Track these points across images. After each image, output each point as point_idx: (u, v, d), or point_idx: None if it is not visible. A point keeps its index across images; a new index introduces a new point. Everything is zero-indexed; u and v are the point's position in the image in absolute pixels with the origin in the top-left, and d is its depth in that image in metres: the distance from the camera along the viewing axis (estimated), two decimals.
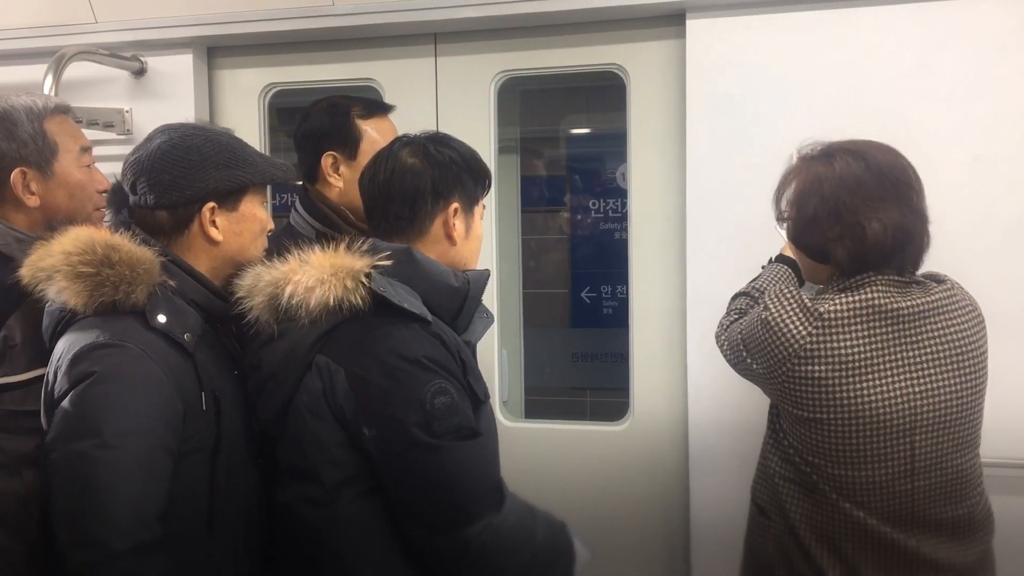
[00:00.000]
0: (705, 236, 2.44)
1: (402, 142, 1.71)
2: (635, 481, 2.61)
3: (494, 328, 2.65)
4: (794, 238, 1.78)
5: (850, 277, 1.69)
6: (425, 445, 1.49)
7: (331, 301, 1.50)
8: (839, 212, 1.65)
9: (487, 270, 1.75)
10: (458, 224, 1.69)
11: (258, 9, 2.52)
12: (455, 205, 1.68)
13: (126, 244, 1.59)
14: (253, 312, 1.59)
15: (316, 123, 2.14)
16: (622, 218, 3.90)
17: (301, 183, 2.19)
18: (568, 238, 4.13)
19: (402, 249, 1.62)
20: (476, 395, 1.61)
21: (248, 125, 2.75)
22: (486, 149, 2.62)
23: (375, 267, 1.55)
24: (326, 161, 2.09)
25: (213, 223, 1.69)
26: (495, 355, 2.73)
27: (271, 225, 1.81)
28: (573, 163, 4.17)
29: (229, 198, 1.70)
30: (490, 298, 2.66)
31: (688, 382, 2.49)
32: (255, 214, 1.75)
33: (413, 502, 1.53)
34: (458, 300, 1.66)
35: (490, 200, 2.61)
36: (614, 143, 3.99)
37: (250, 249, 1.73)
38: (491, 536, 1.53)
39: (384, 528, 1.56)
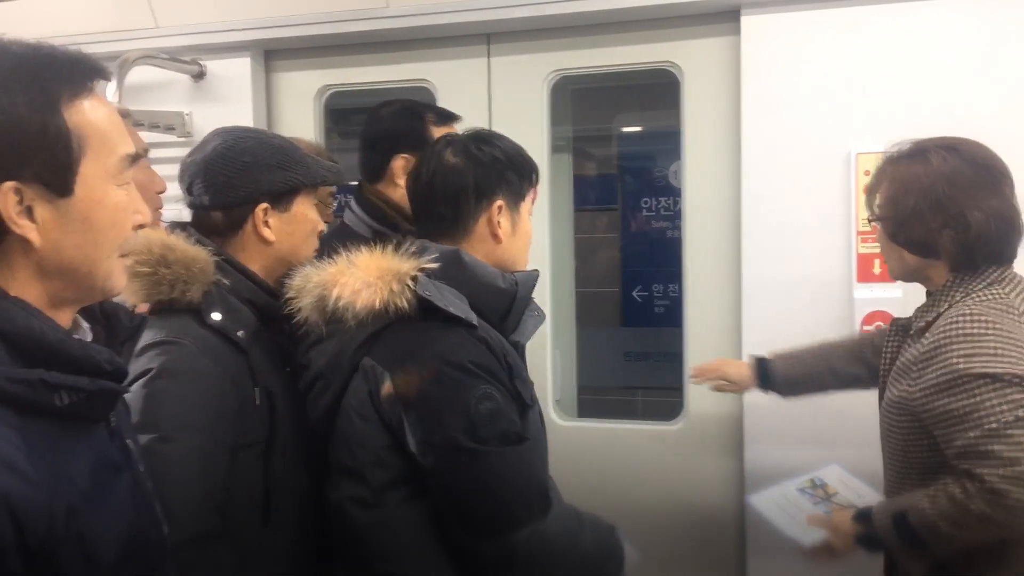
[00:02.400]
0: (760, 235, 2.41)
1: (445, 142, 1.71)
2: (688, 481, 2.59)
3: (547, 327, 2.65)
4: (894, 235, 1.75)
5: (969, 271, 1.68)
6: (470, 451, 1.47)
7: (377, 304, 1.50)
8: (941, 203, 1.66)
9: (536, 270, 1.73)
10: (503, 222, 1.67)
11: (314, 12, 2.56)
12: (499, 203, 1.66)
13: (181, 244, 1.63)
14: (302, 312, 1.59)
15: (390, 125, 2.17)
16: (674, 217, 3.87)
17: (356, 183, 2.22)
18: (619, 237, 4.11)
19: (449, 251, 1.60)
20: (522, 399, 1.59)
21: (304, 127, 2.78)
22: (539, 148, 2.62)
23: (422, 270, 1.54)
24: (397, 163, 2.11)
25: (266, 223, 1.72)
26: (548, 354, 2.72)
27: (322, 226, 1.83)
28: (624, 162, 4.14)
29: (281, 199, 1.73)
30: (543, 297, 2.66)
31: None
32: (306, 215, 1.78)
33: (459, 507, 1.51)
34: (506, 302, 1.65)
35: (543, 200, 2.62)
36: (665, 141, 3.97)
37: (302, 249, 1.75)
38: (538, 542, 1.51)
39: (431, 532, 1.55)
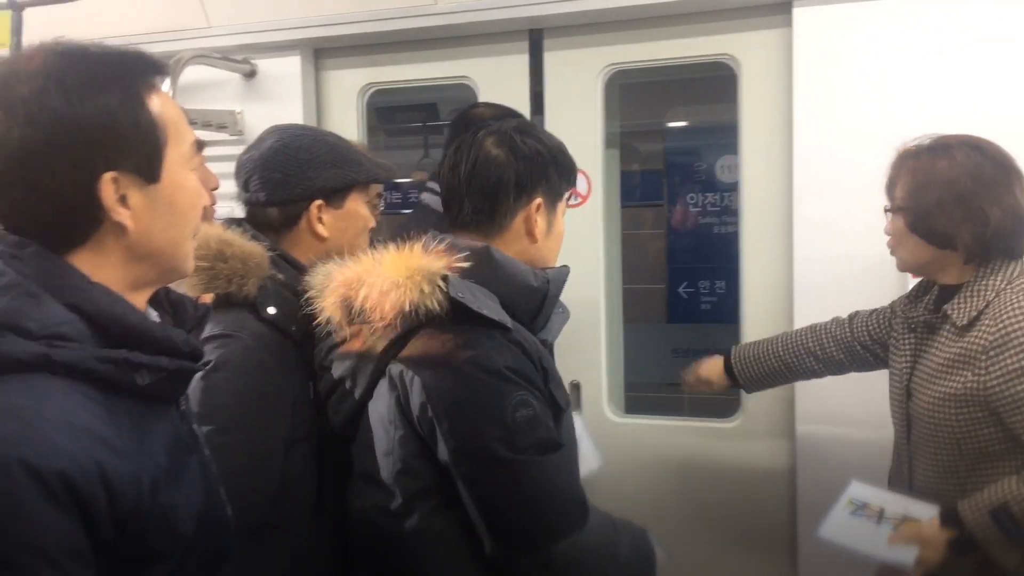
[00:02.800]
0: (812, 230, 2.38)
1: (488, 130, 1.61)
2: (743, 478, 2.56)
3: (601, 322, 2.66)
4: (914, 226, 1.80)
5: (983, 264, 1.75)
6: (507, 461, 1.40)
7: (407, 306, 1.40)
8: (963, 198, 1.72)
9: (566, 267, 1.66)
10: (540, 221, 1.59)
11: (362, 10, 2.57)
12: (538, 201, 1.58)
13: (238, 239, 1.66)
14: (324, 312, 1.52)
15: (476, 113, 2.20)
16: (720, 212, 3.84)
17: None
18: (665, 233, 4.09)
19: (480, 249, 1.52)
20: (557, 403, 1.52)
21: (351, 124, 2.82)
22: (593, 144, 2.62)
23: (452, 268, 1.45)
24: None
25: (320, 220, 1.74)
26: (602, 351, 2.70)
27: (373, 223, 1.85)
28: (671, 157, 4.11)
29: (336, 196, 1.76)
30: (597, 294, 2.66)
31: None
32: (359, 211, 1.80)
33: (494, 519, 1.44)
34: (537, 300, 1.57)
35: (597, 196, 2.61)
36: (712, 136, 3.93)
37: (354, 245, 1.76)
38: (576, 554, 1.46)
39: (463, 543, 1.48)
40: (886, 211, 1.86)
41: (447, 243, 1.51)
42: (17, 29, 2.39)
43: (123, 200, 1.03)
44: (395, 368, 1.47)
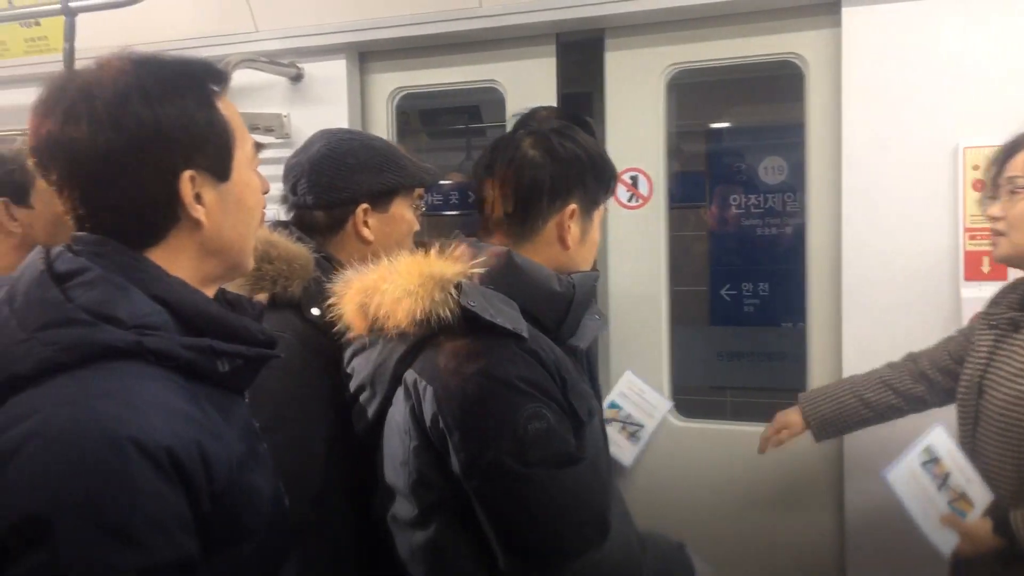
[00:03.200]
0: (861, 232, 2.35)
1: (526, 130, 1.57)
2: (798, 486, 2.54)
3: (663, 326, 2.65)
4: None
5: None
6: (518, 475, 1.35)
7: (418, 314, 1.38)
8: None
9: (595, 272, 1.61)
10: (573, 227, 1.54)
11: (407, 14, 2.59)
12: (573, 207, 1.53)
13: (284, 241, 1.68)
14: (344, 319, 1.50)
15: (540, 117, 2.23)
16: (764, 214, 3.79)
17: None
18: (707, 235, 4.05)
19: (500, 253, 1.47)
20: (577, 415, 1.45)
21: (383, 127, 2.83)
22: (656, 145, 2.60)
23: (468, 275, 1.42)
24: None
25: (366, 223, 1.76)
26: (664, 354, 2.68)
27: (417, 226, 1.87)
28: (713, 158, 4.08)
29: (381, 200, 1.77)
30: (659, 296, 2.64)
31: None
32: (404, 215, 1.82)
33: (506, 534, 1.40)
34: (562, 307, 1.51)
35: (659, 197, 2.60)
36: (756, 137, 3.89)
37: (398, 249, 1.78)
38: (592, 572, 1.42)
39: (478, 558, 1.44)
40: (989, 197, 1.75)
41: (467, 247, 1.48)
42: (70, 34, 2.43)
43: (198, 198, 1.10)
44: (410, 377, 1.44)
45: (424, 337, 1.43)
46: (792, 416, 2.21)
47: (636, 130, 2.61)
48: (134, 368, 1.01)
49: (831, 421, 2.14)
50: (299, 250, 1.69)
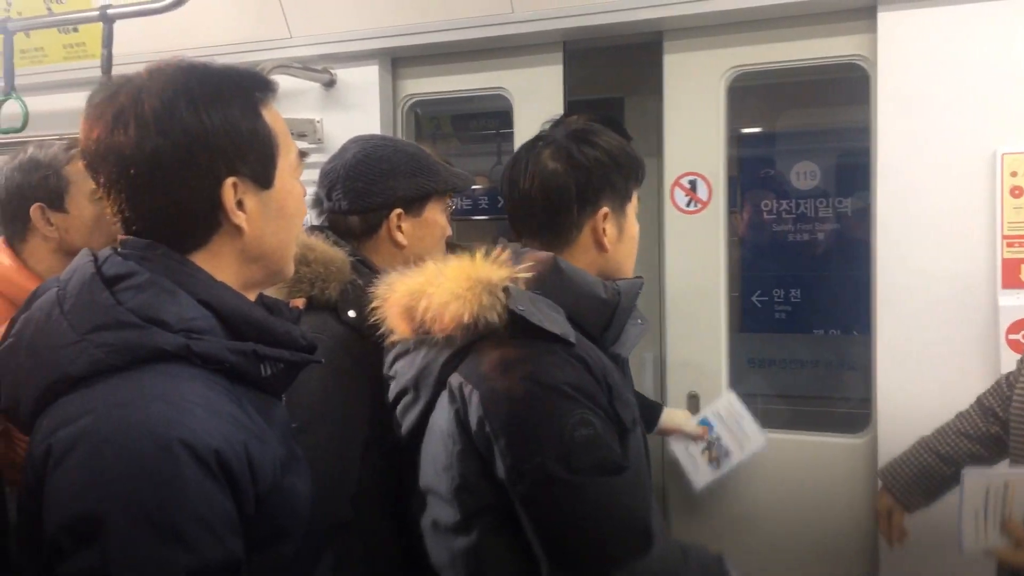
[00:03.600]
0: (896, 239, 2.32)
1: (545, 141, 1.56)
2: (830, 491, 2.51)
3: (722, 332, 2.60)
4: None
5: None
6: (564, 482, 1.33)
7: (466, 318, 1.37)
8: None
9: (640, 279, 1.60)
10: (609, 228, 1.54)
11: (439, 20, 2.59)
12: (605, 209, 1.53)
13: (320, 245, 1.70)
14: (388, 322, 1.50)
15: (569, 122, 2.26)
16: (796, 220, 3.76)
17: None
18: (738, 241, 4.03)
19: (545, 259, 1.47)
20: (623, 423, 1.44)
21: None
22: (715, 148, 2.56)
23: (515, 280, 1.41)
24: None
25: (399, 228, 1.78)
26: (723, 360, 2.64)
27: (450, 231, 1.89)
28: (744, 163, 4.05)
29: (414, 204, 1.79)
30: (717, 302, 2.61)
31: (877, 390, 2.37)
32: (437, 220, 1.83)
33: (551, 542, 1.38)
34: (607, 313, 1.51)
35: (717, 201, 2.57)
36: (787, 142, 3.86)
37: (431, 253, 1.79)
38: None
39: (521, 564, 1.42)
40: None
41: (512, 252, 1.47)
42: (108, 40, 2.47)
43: (240, 204, 1.11)
44: (455, 380, 1.44)
45: (470, 341, 1.42)
46: (883, 499, 2.12)
47: (695, 134, 2.57)
48: (182, 371, 1.04)
49: (915, 485, 2.06)
50: (336, 253, 1.71)
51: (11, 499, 1.41)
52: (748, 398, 3.68)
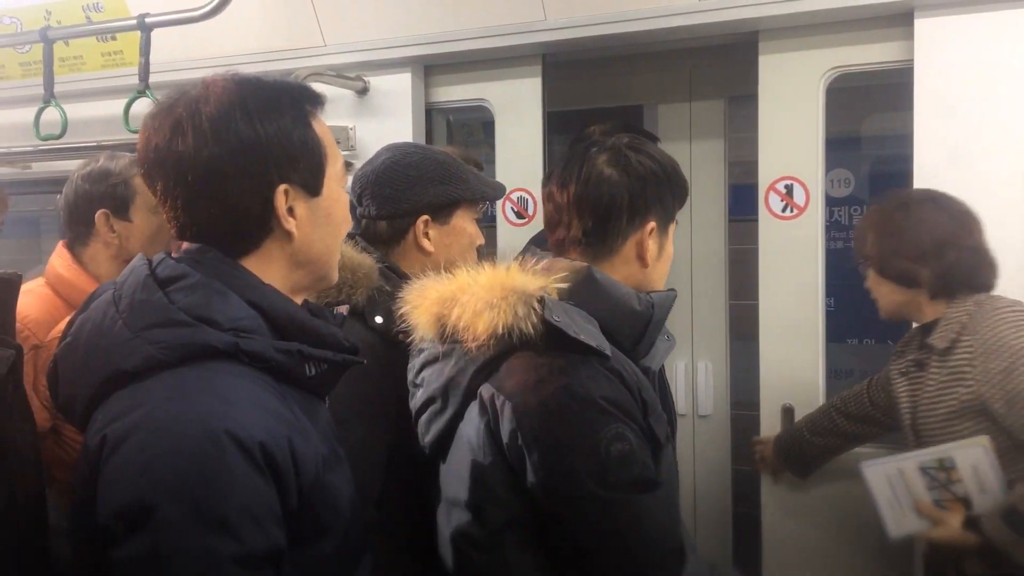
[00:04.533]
0: None
1: (599, 146, 1.52)
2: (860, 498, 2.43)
3: (819, 342, 2.51)
4: (882, 271, 2.08)
5: (956, 297, 1.98)
6: (597, 498, 1.31)
7: (500, 329, 1.35)
8: (919, 241, 2.00)
9: (673, 291, 1.57)
10: (651, 245, 1.51)
11: (471, 27, 2.60)
12: (652, 224, 1.50)
13: (349, 251, 1.71)
14: (418, 329, 1.47)
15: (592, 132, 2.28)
16: (830, 227, 3.71)
17: None
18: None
19: (581, 269, 1.45)
20: (656, 438, 1.41)
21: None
22: (813, 152, 2.48)
23: (550, 290, 1.39)
24: None
25: (426, 235, 1.79)
26: (820, 371, 2.55)
27: (481, 240, 1.88)
28: None
29: (442, 212, 1.79)
30: (815, 312, 2.52)
31: None
32: (465, 228, 1.83)
33: (583, 556, 1.36)
34: (640, 326, 1.48)
35: (815, 206, 2.49)
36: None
37: (459, 260, 1.79)
38: None
39: None
40: (857, 264, 2.15)
41: (547, 262, 1.45)
42: (145, 48, 2.51)
43: (291, 211, 1.16)
44: (486, 391, 1.41)
45: (502, 351, 1.40)
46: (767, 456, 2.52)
47: (791, 137, 2.49)
48: (231, 367, 1.08)
49: (788, 452, 2.46)
50: (363, 259, 1.72)
51: (51, 499, 1.44)
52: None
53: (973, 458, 1.87)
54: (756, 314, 2.58)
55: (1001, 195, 2.20)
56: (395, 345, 1.69)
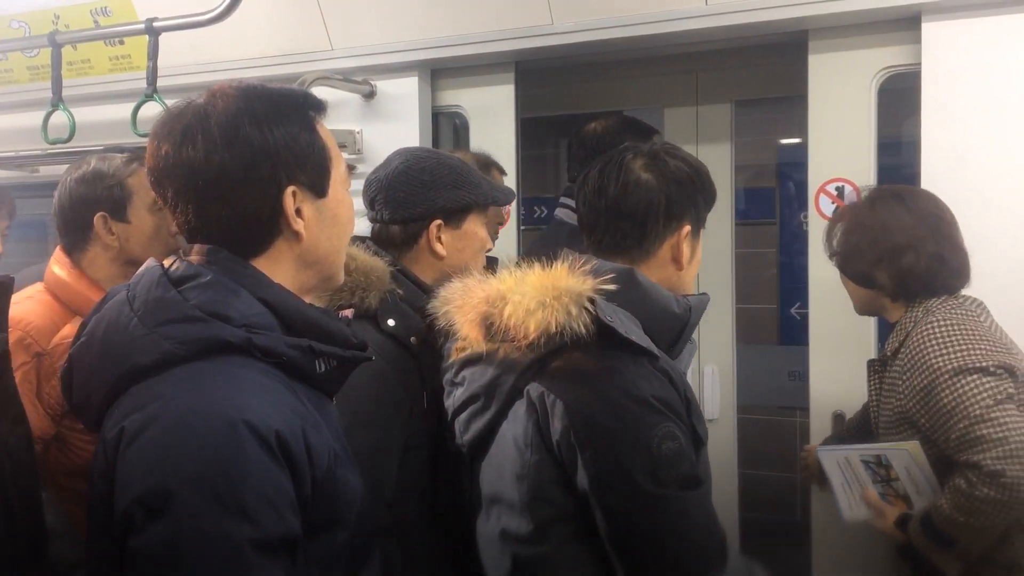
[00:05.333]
0: None
1: (634, 151, 1.57)
2: None
3: (872, 347, 2.46)
4: (843, 268, 2.08)
5: (907, 300, 1.98)
6: (649, 495, 1.34)
7: (553, 327, 1.37)
8: (876, 242, 1.98)
9: (706, 295, 1.62)
10: (685, 248, 1.55)
11: (479, 32, 2.60)
12: (687, 228, 1.55)
13: (361, 254, 1.73)
14: (461, 328, 1.49)
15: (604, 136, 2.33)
16: None
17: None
18: (777, 252, 3.99)
19: (624, 271, 1.48)
20: (699, 437, 1.46)
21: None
22: (865, 153, 2.44)
23: (598, 291, 1.41)
24: None
25: (439, 239, 1.80)
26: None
27: (491, 244, 1.91)
28: (783, 173, 4.02)
29: (454, 216, 1.81)
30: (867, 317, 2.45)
31: None
32: (477, 233, 1.85)
33: (631, 553, 1.39)
34: (677, 328, 1.53)
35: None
36: None
37: (470, 264, 1.81)
38: None
39: (599, 573, 1.43)
40: (829, 257, 2.12)
41: (593, 264, 1.47)
42: (153, 52, 2.51)
43: (299, 212, 1.19)
44: (535, 390, 1.43)
45: (550, 351, 1.42)
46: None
47: (842, 138, 2.45)
48: (244, 361, 1.11)
49: None
50: (376, 263, 1.73)
51: (48, 505, 1.46)
52: (787, 411, 3.64)
53: (904, 460, 1.91)
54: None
55: (1007, 198, 2.21)
56: (407, 347, 1.70)
